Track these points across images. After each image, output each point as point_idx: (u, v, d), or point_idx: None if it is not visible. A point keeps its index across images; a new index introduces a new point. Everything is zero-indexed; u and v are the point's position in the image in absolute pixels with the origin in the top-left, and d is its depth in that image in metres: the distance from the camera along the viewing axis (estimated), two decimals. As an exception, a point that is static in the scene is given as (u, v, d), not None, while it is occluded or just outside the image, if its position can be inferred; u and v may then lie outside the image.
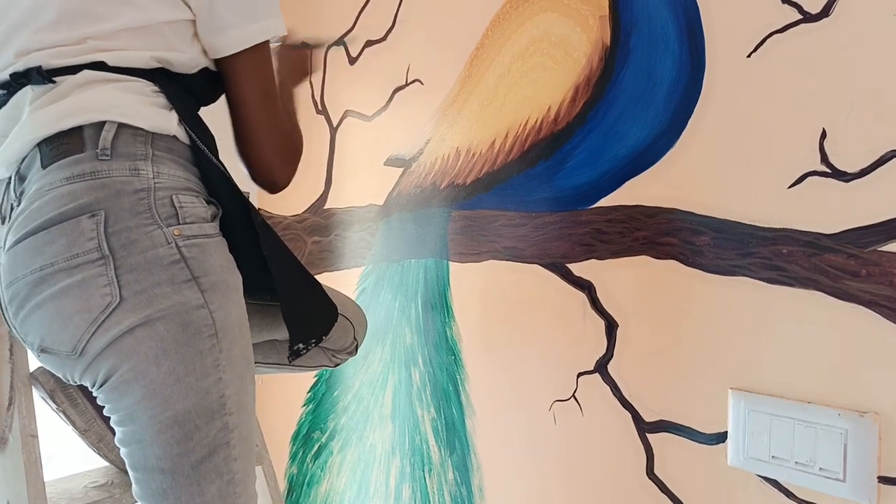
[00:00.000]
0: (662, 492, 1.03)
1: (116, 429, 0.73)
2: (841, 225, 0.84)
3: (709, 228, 0.97)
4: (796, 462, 0.88)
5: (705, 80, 0.97)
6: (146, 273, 0.70)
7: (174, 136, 0.77)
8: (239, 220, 0.81)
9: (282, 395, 1.80)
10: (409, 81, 1.46)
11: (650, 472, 1.04)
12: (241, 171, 0.92)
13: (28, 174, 0.74)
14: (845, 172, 0.84)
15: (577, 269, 1.14)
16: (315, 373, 1.71)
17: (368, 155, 1.57)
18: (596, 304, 1.11)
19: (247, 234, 0.81)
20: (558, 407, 1.17)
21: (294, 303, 0.85)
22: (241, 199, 0.81)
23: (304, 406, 1.74)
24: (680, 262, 1.00)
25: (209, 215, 0.78)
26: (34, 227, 0.69)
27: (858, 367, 0.84)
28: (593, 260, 1.11)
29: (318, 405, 1.69)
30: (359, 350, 1.13)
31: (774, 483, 0.91)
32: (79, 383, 0.74)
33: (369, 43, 1.56)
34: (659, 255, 1.03)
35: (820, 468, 0.86)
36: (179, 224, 0.73)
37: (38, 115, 0.73)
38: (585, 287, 1.13)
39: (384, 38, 1.53)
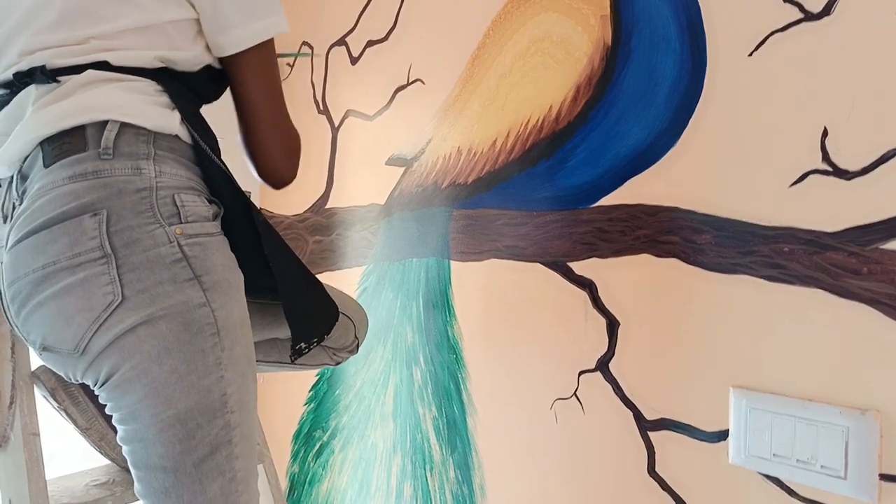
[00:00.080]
0: (664, 489, 1.03)
1: (118, 427, 0.74)
2: (842, 223, 0.84)
3: (710, 227, 0.97)
4: (798, 460, 0.88)
5: (706, 80, 0.97)
6: (148, 272, 0.70)
7: (176, 136, 0.78)
8: (240, 220, 0.81)
9: (283, 393, 1.81)
10: (410, 81, 1.47)
11: (651, 470, 1.04)
12: (243, 171, 0.92)
13: (30, 173, 0.74)
14: (847, 171, 0.84)
15: (578, 267, 1.14)
16: (316, 371, 1.71)
17: (370, 154, 1.57)
18: (597, 303, 1.11)
19: (248, 233, 0.81)
20: (560, 405, 1.17)
21: (296, 302, 0.85)
22: (243, 198, 0.82)
23: (306, 405, 1.74)
24: (681, 260, 1.00)
25: (211, 214, 0.78)
26: (36, 225, 0.69)
27: (860, 365, 0.84)
28: (595, 258, 1.12)
29: (320, 404, 1.69)
30: (360, 348, 1.14)
31: (776, 481, 0.91)
32: (81, 382, 0.74)
33: (371, 43, 1.56)
34: (660, 254, 1.03)
35: (821, 466, 0.86)
36: (181, 223, 0.73)
37: (40, 115, 0.73)
38: (587, 285, 1.13)
39: (385, 38, 1.53)
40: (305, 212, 1.77)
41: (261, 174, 0.90)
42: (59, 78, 0.74)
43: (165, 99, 0.78)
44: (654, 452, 1.04)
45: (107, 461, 1.06)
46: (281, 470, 1.77)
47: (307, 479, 1.71)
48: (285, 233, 1.80)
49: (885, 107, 0.81)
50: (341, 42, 1.65)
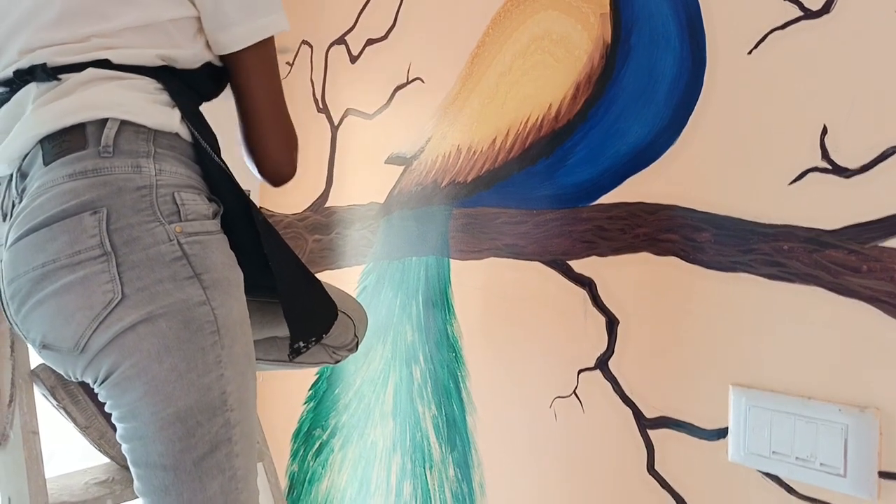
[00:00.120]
0: (663, 487, 1.03)
1: (118, 425, 0.74)
2: (842, 221, 0.85)
3: (710, 225, 0.97)
4: (797, 457, 0.88)
5: (706, 77, 0.97)
6: (148, 270, 0.70)
7: (176, 134, 0.78)
8: (240, 218, 0.81)
9: (283, 392, 1.81)
10: (410, 80, 1.47)
11: (651, 467, 1.04)
12: (243, 170, 0.92)
13: (30, 171, 0.74)
14: (846, 169, 0.84)
15: (577, 266, 1.14)
16: (316, 370, 1.71)
17: (369, 153, 1.57)
18: (597, 301, 1.11)
19: (248, 232, 0.81)
20: (559, 403, 1.17)
21: (294, 301, 0.85)
22: (243, 197, 0.82)
23: (305, 404, 1.74)
24: (681, 258, 1.00)
25: (211, 212, 0.78)
26: (36, 223, 0.70)
27: (859, 362, 0.84)
28: (594, 257, 1.12)
29: (319, 403, 1.69)
30: (359, 347, 1.14)
31: (775, 478, 0.91)
32: (80, 380, 0.74)
33: (370, 41, 1.56)
34: (660, 252, 1.03)
35: (821, 463, 0.86)
36: (181, 221, 0.73)
37: (40, 112, 0.73)
38: (586, 284, 1.13)
39: (385, 37, 1.53)
40: (305, 210, 1.77)
41: (261, 171, 0.90)
42: (60, 76, 0.74)
43: (165, 97, 0.78)
44: (654, 450, 1.04)
45: (106, 459, 1.06)
46: (280, 469, 1.77)
47: (307, 478, 1.71)
48: (285, 231, 1.80)
49: (884, 105, 0.81)
50: (341, 41, 1.65)
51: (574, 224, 1.14)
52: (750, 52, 0.93)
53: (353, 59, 1.61)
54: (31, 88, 0.76)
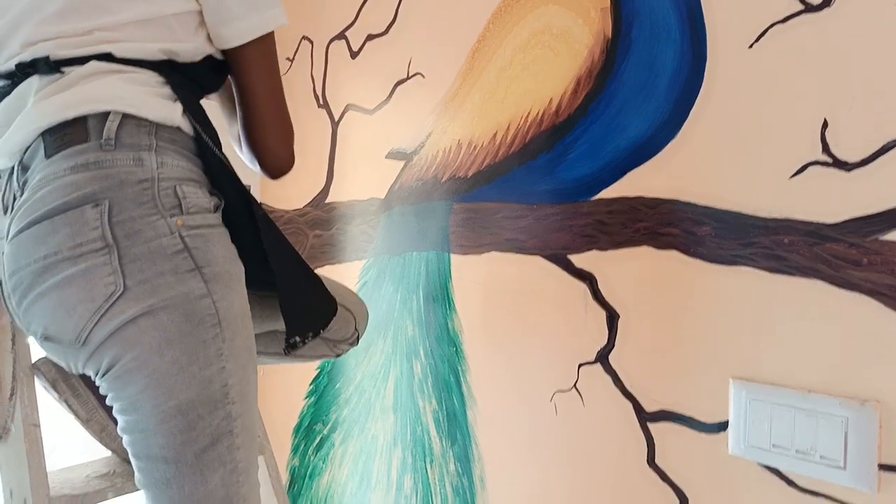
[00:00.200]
0: (664, 481, 1.03)
1: (119, 418, 0.74)
2: (842, 214, 0.85)
3: (710, 219, 0.97)
4: (797, 450, 0.88)
5: (707, 71, 0.97)
6: (150, 263, 0.70)
7: (178, 128, 0.78)
8: (240, 213, 0.81)
9: (283, 387, 1.81)
10: (410, 75, 1.46)
11: (651, 461, 1.05)
12: (243, 165, 0.92)
13: (31, 164, 0.74)
14: (847, 162, 0.84)
15: (578, 260, 1.14)
16: (317, 364, 1.71)
17: (370, 148, 1.57)
18: (597, 295, 1.11)
19: (248, 227, 0.82)
20: (560, 397, 1.18)
21: (293, 297, 0.85)
22: (244, 191, 0.82)
23: (306, 398, 1.74)
24: (681, 252, 1.00)
25: (212, 206, 0.78)
26: (38, 216, 0.70)
27: (859, 355, 0.84)
28: (595, 251, 1.12)
29: (320, 397, 1.70)
30: (360, 341, 1.14)
31: (775, 471, 0.91)
32: (82, 372, 0.74)
33: (371, 37, 1.56)
34: (660, 246, 1.03)
35: (821, 456, 0.86)
36: (183, 214, 0.73)
37: (42, 105, 0.73)
38: (587, 278, 1.13)
39: (385, 32, 1.53)
40: (305, 206, 1.77)
41: (261, 163, 0.90)
42: (64, 69, 0.74)
43: (168, 90, 0.79)
44: (654, 444, 1.04)
45: (108, 452, 1.06)
46: (281, 463, 1.77)
47: (307, 473, 1.71)
48: (285, 227, 1.80)
49: (885, 98, 0.82)
50: (341, 36, 1.65)
51: (575, 218, 1.14)
52: (751, 46, 0.93)
53: (354, 55, 1.61)
54: (33, 81, 0.76)
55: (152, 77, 0.78)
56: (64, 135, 0.72)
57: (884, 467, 0.82)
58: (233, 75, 0.87)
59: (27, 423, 0.91)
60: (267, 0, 0.84)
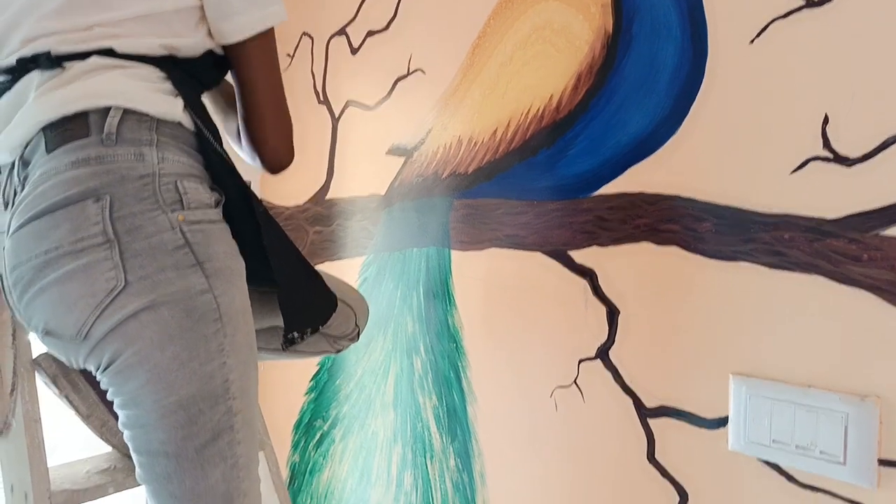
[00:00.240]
0: (663, 476, 1.03)
1: (119, 413, 0.74)
2: (843, 210, 0.85)
3: (710, 215, 0.97)
4: (797, 446, 0.88)
5: (707, 67, 0.97)
6: (151, 258, 0.70)
7: (179, 123, 0.78)
8: (241, 209, 0.82)
9: (284, 383, 1.81)
10: (410, 71, 1.46)
11: (651, 457, 1.05)
12: (242, 161, 0.93)
13: (32, 159, 0.74)
14: (847, 157, 0.84)
15: (578, 256, 1.14)
16: (317, 361, 1.72)
17: (370, 145, 1.57)
18: (597, 291, 1.11)
19: (248, 223, 0.82)
20: (560, 393, 1.18)
21: (292, 293, 0.85)
22: (244, 187, 0.82)
23: (306, 395, 1.74)
24: (682, 248, 1.00)
25: (213, 202, 0.78)
26: (39, 211, 0.70)
27: (860, 351, 0.84)
28: (595, 247, 1.12)
29: (320, 394, 1.70)
30: (360, 337, 1.14)
31: (775, 467, 0.92)
32: (83, 367, 0.74)
33: (371, 33, 1.56)
34: (660, 242, 1.03)
35: (820, 452, 0.86)
36: (184, 210, 0.74)
37: (43, 100, 0.73)
38: (587, 274, 1.13)
39: (386, 28, 1.52)
40: (306, 202, 1.77)
41: (262, 158, 0.90)
42: (65, 64, 0.75)
43: (168, 86, 0.79)
44: (654, 439, 1.05)
45: (108, 448, 1.06)
46: (281, 460, 1.78)
47: (308, 469, 1.72)
48: (285, 223, 1.80)
49: (886, 93, 0.81)
50: (341, 32, 1.64)
51: (575, 215, 1.14)
52: (752, 42, 0.93)
53: (354, 51, 1.61)
54: (34, 77, 0.76)
55: (153, 72, 0.78)
56: (65, 130, 0.72)
57: (884, 462, 0.82)
58: (233, 70, 0.87)
59: (28, 419, 0.91)
60: None
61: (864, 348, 0.84)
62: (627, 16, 1.06)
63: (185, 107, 0.78)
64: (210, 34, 0.83)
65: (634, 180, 1.06)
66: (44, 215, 0.69)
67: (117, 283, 0.69)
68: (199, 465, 0.73)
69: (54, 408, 1.04)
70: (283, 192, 1.84)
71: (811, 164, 0.87)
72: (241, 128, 0.90)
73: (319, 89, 1.72)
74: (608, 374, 1.10)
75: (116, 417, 0.75)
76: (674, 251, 1.01)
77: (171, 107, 0.77)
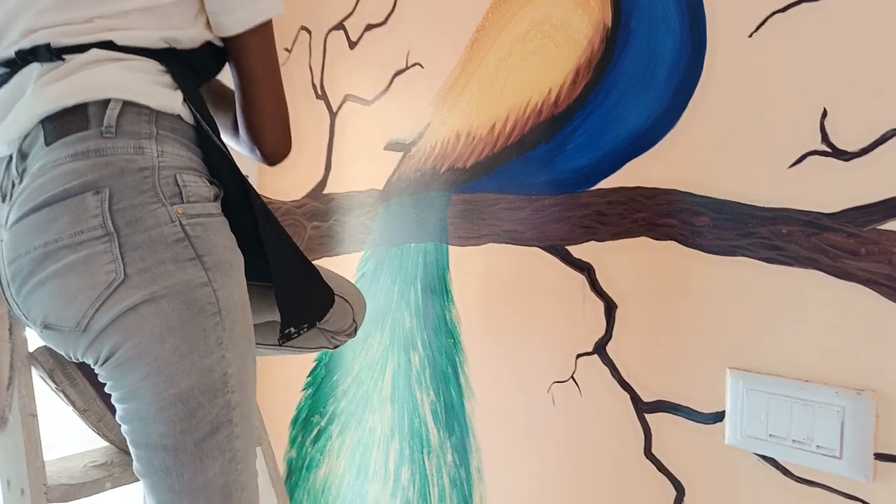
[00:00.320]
0: (660, 471, 1.03)
1: (118, 406, 0.74)
2: (840, 204, 0.85)
3: (708, 209, 0.97)
4: (793, 440, 0.89)
5: (706, 61, 0.97)
6: (150, 251, 0.70)
7: (178, 116, 0.78)
8: (239, 203, 0.82)
9: (281, 379, 1.81)
10: (409, 65, 1.46)
11: (648, 451, 1.05)
12: (240, 155, 0.93)
13: (30, 151, 0.74)
14: (845, 151, 0.84)
15: (576, 251, 1.14)
16: (314, 357, 1.71)
17: (368, 139, 1.57)
18: (595, 286, 1.12)
19: (246, 217, 0.82)
20: (557, 388, 1.18)
21: (289, 287, 0.85)
22: (243, 181, 0.82)
23: (304, 390, 1.74)
24: (679, 242, 1.00)
25: (212, 195, 0.78)
26: (38, 203, 0.69)
27: (856, 345, 0.84)
28: (593, 242, 1.12)
29: (318, 389, 1.70)
30: (358, 332, 1.14)
31: (772, 461, 0.92)
32: (81, 360, 0.74)
33: (369, 27, 1.56)
34: (658, 237, 1.03)
35: (817, 446, 0.87)
36: (183, 203, 0.73)
37: (42, 93, 0.73)
38: (585, 269, 1.13)
39: (384, 22, 1.52)
40: (303, 197, 1.76)
41: (261, 149, 0.91)
42: (65, 56, 0.74)
43: (168, 79, 0.79)
44: (651, 434, 1.05)
45: (105, 443, 1.06)
46: (279, 455, 1.77)
47: (305, 465, 1.72)
48: (283, 218, 1.79)
49: (884, 88, 0.82)
50: (339, 26, 1.64)
51: (573, 209, 1.14)
52: (750, 36, 0.93)
53: (352, 45, 1.61)
54: (33, 69, 0.75)
55: (153, 65, 0.78)
56: (64, 122, 0.72)
57: (880, 456, 0.83)
58: (232, 62, 0.87)
59: (24, 413, 0.91)
60: None
61: (861, 342, 0.84)
62: (626, 10, 1.06)
63: (185, 100, 0.78)
64: (208, 26, 0.83)
65: (633, 175, 1.06)
66: (43, 208, 0.69)
67: (117, 276, 0.68)
68: (198, 459, 0.73)
69: (51, 405, 1.04)
70: (280, 186, 1.84)
71: (809, 158, 0.87)
72: (240, 119, 0.90)
73: (317, 84, 1.72)
74: (605, 369, 1.10)
75: (114, 412, 0.75)
76: (672, 246, 1.01)
77: (171, 100, 0.77)
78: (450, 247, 1.37)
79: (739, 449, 0.95)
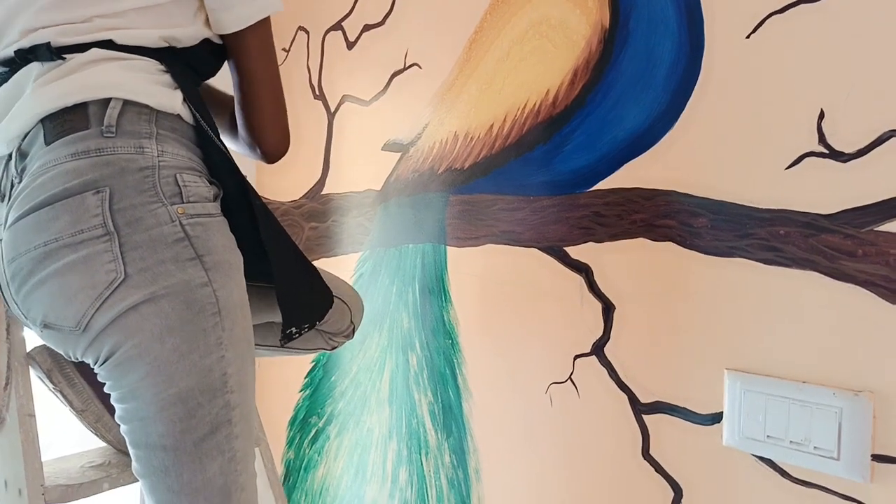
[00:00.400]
0: (658, 472, 1.04)
1: (117, 406, 0.74)
2: (838, 205, 0.85)
3: (706, 210, 0.97)
4: (791, 441, 0.89)
5: (704, 62, 0.97)
6: (151, 250, 0.70)
7: (178, 116, 0.78)
8: (239, 203, 0.82)
9: (279, 380, 1.81)
10: (407, 66, 1.46)
11: (646, 452, 1.05)
12: (239, 156, 0.93)
13: (30, 150, 0.74)
14: (843, 153, 0.85)
15: (574, 252, 1.14)
16: (312, 358, 1.71)
17: (366, 140, 1.57)
18: (593, 287, 1.12)
19: (246, 217, 0.82)
20: (555, 389, 1.18)
21: (290, 288, 0.85)
22: (243, 181, 0.82)
23: (302, 391, 1.74)
24: (677, 244, 1.01)
25: (212, 195, 0.78)
26: (38, 202, 0.69)
27: (854, 346, 0.84)
28: (591, 243, 1.12)
29: (316, 390, 1.70)
30: (356, 334, 1.14)
31: (769, 462, 0.92)
32: (81, 360, 0.74)
33: (367, 27, 1.56)
34: (656, 238, 1.03)
35: (814, 447, 0.87)
36: (183, 203, 0.74)
37: (42, 92, 0.73)
38: (583, 270, 1.13)
39: (382, 23, 1.52)
40: (301, 198, 1.76)
41: (260, 145, 0.91)
42: (65, 56, 0.74)
43: (168, 78, 0.79)
44: (649, 435, 1.05)
45: (102, 443, 1.06)
46: (277, 456, 1.77)
47: (303, 465, 1.71)
48: (281, 219, 1.79)
49: (882, 89, 0.82)
50: (337, 26, 1.64)
51: (571, 210, 1.14)
52: (748, 37, 0.93)
53: (350, 45, 1.61)
54: (33, 68, 0.75)
55: (153, 65, 0.78)
56: (64, 121, 0.72)
57: (877, 458, 0.83)
58: (231, 60, 0.87)
59: (22, 413, 0.91)
60: None
61: (858, 343, 0.84)
62: (625, 11, 1.06)
63: (185, 100, 0.78)
64: (207, 23, 0.83)
65: (631, 176, 1.06)
66: (43, 207, 0.69)
67: (117, 275, 0.68)
68: (197, 459, 0.73)
69: (48, 405, 1.03)
70: (278, 187, 1.84)
71: (807, 159, 0.88)
72: (238, 118, 0.90)
73: (315, 84, 1.72)
74: (603, 370, 1.11)
75: (112, 413, 0.75)
76: (670, 247, 1.01)
77: (171, 99, 0.77)
78: (448, 248, 1.37)
79: (737, 450, 0.95)
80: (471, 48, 1.32)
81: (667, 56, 1.01)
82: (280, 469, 1.78)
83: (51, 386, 0.98)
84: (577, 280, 1.14)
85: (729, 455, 0.96)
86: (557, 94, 1.16)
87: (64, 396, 0.99)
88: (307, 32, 1.74)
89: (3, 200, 0.77)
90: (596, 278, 1.12)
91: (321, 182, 1.70)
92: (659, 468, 1.04)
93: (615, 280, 1.09)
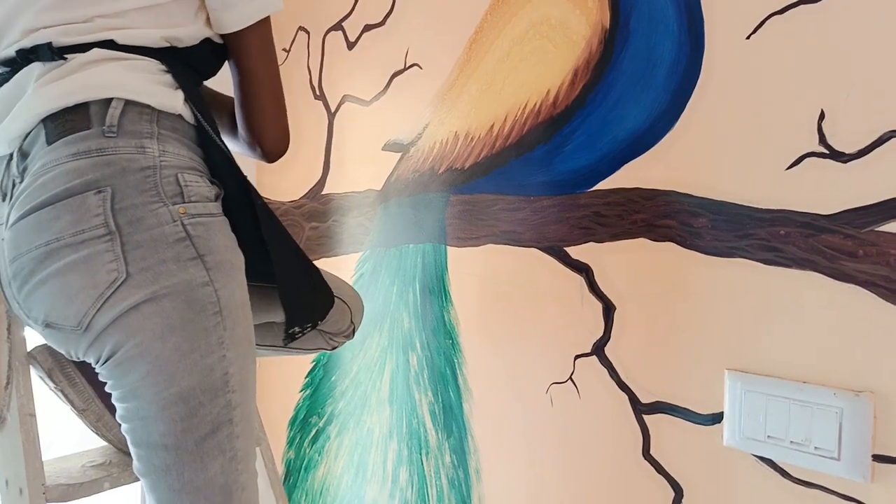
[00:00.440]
0: (658, 472, 1.04)
1: (118, 405, 0.74)
2: (838, 206, 0.85)
3: (707, 210, 0.97)
4: (791, 441, 0.89)
5: (704, 62, 0.97)
6: (152, 250, 0.70)
7: (179, 116, 0.78)
8: (240, 203, 0.82)
9: (279, 380, 1.81)
10: (407, 66, 1.46)
11: (646, 452, 1.05)
12: (240, 156, 0.93)
13: (31, 150, 0.74)
14: (843, 153, 0.85)
15: (575, 252, 1.14)
16: (312, 358, 1.71)
17: (367, 140, 1.57)
18: (594, 287, 1.12)
19: (247, 217, 0.82)
20: (555, 390, 1.18)
21: (291, 287, 0.86)
22: (244, 181, 0.82)
23: (302, 391, 1.74)
24: (678, 244, 1.01)
25: (213, 195, 0.78)
26: (39, 202, 0.70)
27: (854, 346, 0.85)
28: (591, 243, 1.12)
29: (316, 390, 1.70)
30: (356, 334, 1.14)
31: (770, 462, 0.92)
32: (82, 359, 0.74)
33: (368, 27, 1.56)
34: (657, 238, 1.03)
35: (815, 447, 0.87)
36: (184, 202, 0.74)
37: (43, 92, 0.73)
38: (583, 270, 1.13)
39: (382, 23, 1.52)
40: (302, 198, 1.76)
41: (261, 144, 0.91)
42: (67, 56, 0.74)
43: (169, 78, 0.79)
44: (649, 435, 1.05)
45: (103, 443, 1.06)
46: (277, 456, 1.77)
47: (303, 465, 1.72)
48: (282, 219, 1.78)
49: (882, 89, 0.82)
50: (338, 27, 1.64)
51: (571, 210, 1.15)
52: (748, 37, 0.93)
53: (351, 46, 1.61)
54: (34, 68, 0.76)
55: (154, 65, 0.78)
56: (66, 121, 0.72)
57: (878, 458, 0.83)
58: (232, 59, 0.88)
59: (23, 413, 0.91)
60: None
61: (859, 344, 0.84)
62: (625, 11, 1.06)
63: (186, 99, 0.79)
64: (208, 23, 0.83)
65: (631, 176, 1.06)
66: (44, 206, 0.69)
67: (118, 275, 0.69)
68: (199, 458, 0.73)
69: (49, 404, 1.03)
70: (278, 187, 1.84)
71: (807, 159, 0.88)
72: (239, 117, 0.90)
73: (315, 84, 1.72)
74: (604, 370, 1.11)
75: (112, 412, 0.75)
76: (670, 247, 1.02)
77: (172, 99, 0.77)
78: (448, 248, 1.37)
79: (738, 450, 0.95)
80: (471, 48, 1.32)
81: (667, 56, 1.01)
82: (280, 469, 1.78)
83: (52, 385, 0.98)
84: (578, 280, 1.14)
85: (729, 455, 0.96)
86: (558, 94, 1.16)
87: (65, 396, 0.99)
88: (307, 32, 1.74)
89: (4, 200, 0.77)
90: (596, 278, 1.12)
91: (322, 182, 1.70)
92: (659, 468, 1.04)
93: (616, 280, 1.09)
